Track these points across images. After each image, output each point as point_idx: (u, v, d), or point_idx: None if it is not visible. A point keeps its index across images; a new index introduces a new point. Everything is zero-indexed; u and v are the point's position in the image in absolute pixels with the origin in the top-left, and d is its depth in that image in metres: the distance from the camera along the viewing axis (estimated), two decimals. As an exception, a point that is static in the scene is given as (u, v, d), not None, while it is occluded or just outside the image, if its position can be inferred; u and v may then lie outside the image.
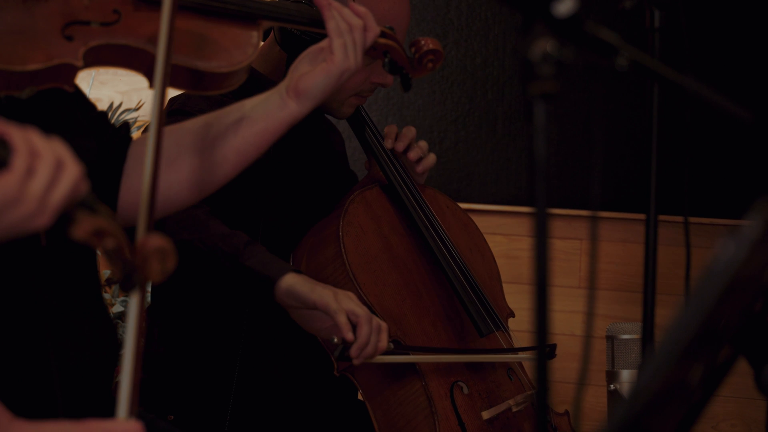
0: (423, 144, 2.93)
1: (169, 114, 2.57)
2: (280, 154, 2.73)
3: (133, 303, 1.66)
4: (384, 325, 2.52)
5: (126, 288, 1.56)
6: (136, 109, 4.01)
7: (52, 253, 1.95)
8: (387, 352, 2.56)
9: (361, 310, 2.47)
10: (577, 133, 4.11)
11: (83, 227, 1.48)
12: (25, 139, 1.44)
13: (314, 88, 2.09)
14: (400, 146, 2.90)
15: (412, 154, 2.90)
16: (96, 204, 1.50)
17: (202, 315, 2.75)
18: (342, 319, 2.44)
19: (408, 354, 2.69)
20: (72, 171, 1.47)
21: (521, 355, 2.86)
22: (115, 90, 4.32)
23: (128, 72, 4.05)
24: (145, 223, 1.74)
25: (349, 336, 2.45)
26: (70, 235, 1.48)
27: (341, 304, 2.45)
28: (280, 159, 2.74)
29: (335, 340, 2.47)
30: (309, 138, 2.89)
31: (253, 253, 2.52)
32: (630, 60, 1.49)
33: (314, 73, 2.10)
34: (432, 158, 2.94)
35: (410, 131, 2.93)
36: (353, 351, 2.48)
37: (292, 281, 2.48)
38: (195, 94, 2.57)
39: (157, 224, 2.43)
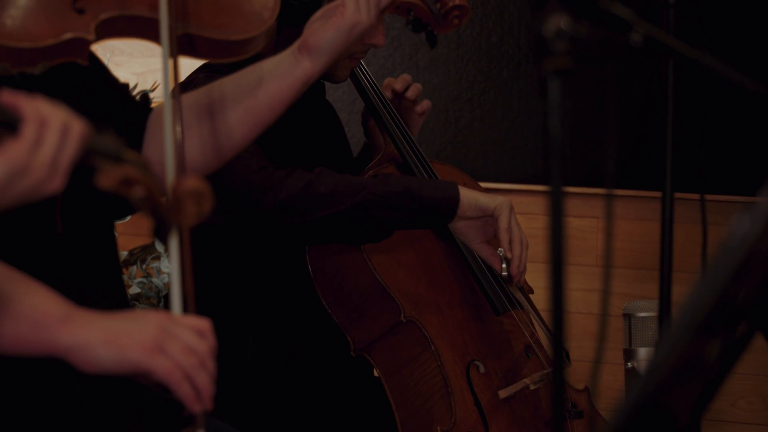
0: (419, 85, 3.03)
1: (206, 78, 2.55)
2: (289, 134, 2.73)
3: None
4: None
5: (161, 235, 1.55)
6: (152, 91, 4.00)
7: (70, 240, 1.95)
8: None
9: (518, 231, 2.68)
10: (592, 111, 4.10)
11: (109, 177, 1.49)
12: (34, 108, 1.44)
13: (324, 42, 2.08)
14: (399, 86, 2.95)
15: (410, 93, 2.97)
16: (122, 153, 1.50)
17: (212, 300, 2.75)
18: (505, 236, 2.67)
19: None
20: (77, 130, 1.47)
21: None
22: (131, 71, 4.32)
23: (143, 54, 4.02)
24: (176, 165, 1.74)
25: (508, 254, 2.69)
26: (97, 185, 1.49)
27: (510, 220, 2.67)
28: (289, 140, 2.75)
29: (502, 252, 2.71)
30: (316, 118, 2.89)
31: (415, 182, 2.65)
32: (644, 35, 1.48)
33: (324, 28, 2.08)
34: (428, 102, 3.04)
35: (407, 76, 3.03)
36: (513, 269, 2.70)
37: (469, 193, 2.65)
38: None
39: (317, 206, 2.57)
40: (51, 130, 1.45)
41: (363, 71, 2.91)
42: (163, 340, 1.68)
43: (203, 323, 1.73)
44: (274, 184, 2.56)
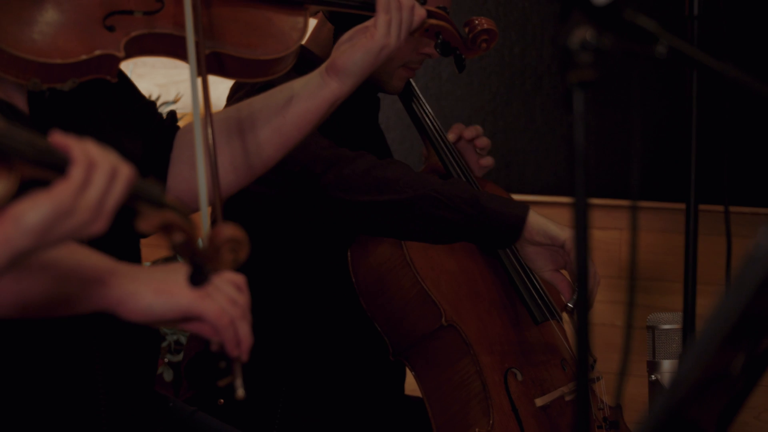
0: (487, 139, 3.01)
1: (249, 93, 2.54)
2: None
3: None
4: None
5: (196, 281, 1.55)
6: (174, 102, 4.02)
7: (94, 248, 1.96)
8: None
9: (592, 266, 2.54)
10: (617, 122, 4.09)
11: (149, 222, 1.49)
12: (83, 150, 1.44)
13: (352, 64, 2.08)
14: (468, 134, 2.93)
15: (480, 142, 2.96)
16: (164, 199, 1.51)
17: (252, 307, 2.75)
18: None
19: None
20: (124, 175, 1.48)
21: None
22: (153, 83, 4.33)
23: (166, 65, 4.03)
24: (212, 211, 1.75)
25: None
26: (137, 229, 1.50)
27: None
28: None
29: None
30: (366, 138, 2.89)
31: (485, 194, 2.61)
32: (669, 47, 1.48)
33: (353, 50, 2.09)
34: (491, 159, 3.02)
35: (478, 128, 3.00)
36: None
37: (539, 218, 2.62)
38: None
39: (364, 187, 2.52)
40: (99, 173, 1.45)
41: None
42: (209, 288, 1.70)
43: (239, 278, 1.77)
44: (341, 160, 2.54)
